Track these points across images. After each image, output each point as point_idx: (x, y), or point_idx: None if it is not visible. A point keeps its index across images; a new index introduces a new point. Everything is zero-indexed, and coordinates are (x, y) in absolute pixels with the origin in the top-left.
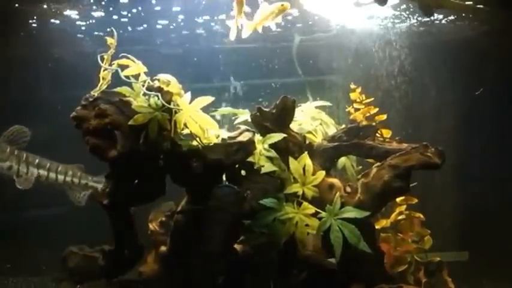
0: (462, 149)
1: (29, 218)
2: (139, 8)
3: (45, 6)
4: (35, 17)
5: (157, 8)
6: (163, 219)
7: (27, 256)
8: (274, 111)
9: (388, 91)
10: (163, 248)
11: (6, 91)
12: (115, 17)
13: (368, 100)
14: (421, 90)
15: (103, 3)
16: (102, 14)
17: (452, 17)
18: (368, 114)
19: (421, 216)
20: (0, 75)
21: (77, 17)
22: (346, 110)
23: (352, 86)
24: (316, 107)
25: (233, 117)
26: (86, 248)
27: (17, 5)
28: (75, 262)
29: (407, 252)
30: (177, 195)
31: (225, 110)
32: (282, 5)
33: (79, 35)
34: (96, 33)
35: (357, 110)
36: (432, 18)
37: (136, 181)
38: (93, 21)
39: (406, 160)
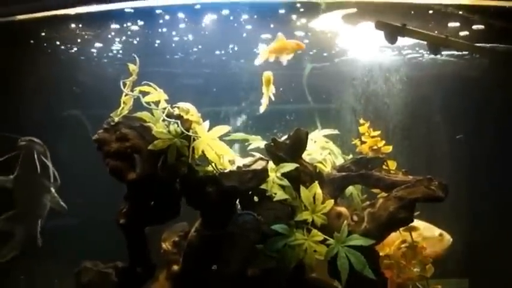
0: (464, 177)
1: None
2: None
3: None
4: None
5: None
6: (176, 239)
7: (40, 269)
8: (287, 141)
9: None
10: (175, 267)
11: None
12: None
13: (375, 133)
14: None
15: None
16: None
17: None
18: (375, 147)
19: (424, 245)
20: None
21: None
22: (353, 142)
23: (362, 121)
24: (325, 136)
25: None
26: (100, 264)
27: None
28: (88, 277)
29: (410, 279)
30: (189, 215)
31: (238, 135)
32: (298, 44)
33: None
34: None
35: (363, 142)
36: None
37: (152, 203)
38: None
39: (411, 193)
